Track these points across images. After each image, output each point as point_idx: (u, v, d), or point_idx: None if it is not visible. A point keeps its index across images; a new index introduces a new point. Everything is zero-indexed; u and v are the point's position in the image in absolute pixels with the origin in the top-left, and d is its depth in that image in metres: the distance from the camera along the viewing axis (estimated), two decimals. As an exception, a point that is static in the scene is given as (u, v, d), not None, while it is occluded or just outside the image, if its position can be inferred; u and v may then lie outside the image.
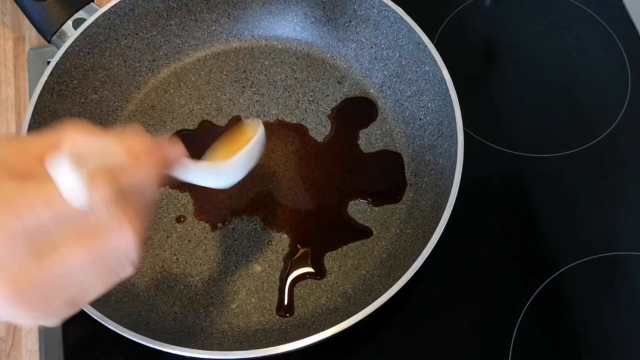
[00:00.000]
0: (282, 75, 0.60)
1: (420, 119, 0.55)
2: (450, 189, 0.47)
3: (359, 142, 0.57)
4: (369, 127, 0.57)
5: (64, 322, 0.53)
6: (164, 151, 0.30)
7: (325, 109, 0.58)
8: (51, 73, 0.52)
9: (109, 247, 0.25)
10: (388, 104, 0.58)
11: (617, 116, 0.61)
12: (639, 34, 0.65)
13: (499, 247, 0.55)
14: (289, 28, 0.61)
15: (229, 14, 0.60)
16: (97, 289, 0.26)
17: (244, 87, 0.59)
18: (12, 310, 0.24)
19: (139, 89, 0.59)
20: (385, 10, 0.54)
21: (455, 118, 0.50)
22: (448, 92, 0.51)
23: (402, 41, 0.55)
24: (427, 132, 0.55)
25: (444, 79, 0.51)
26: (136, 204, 0.26)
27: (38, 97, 0.50)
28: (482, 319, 0.53)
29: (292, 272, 0.51)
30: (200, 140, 0.56)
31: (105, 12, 0.54)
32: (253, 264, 0.52)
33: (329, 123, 0.57)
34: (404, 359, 0.51)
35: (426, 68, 0.53)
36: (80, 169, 0.24)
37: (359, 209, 0.54)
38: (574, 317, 0.53)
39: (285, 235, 0.53)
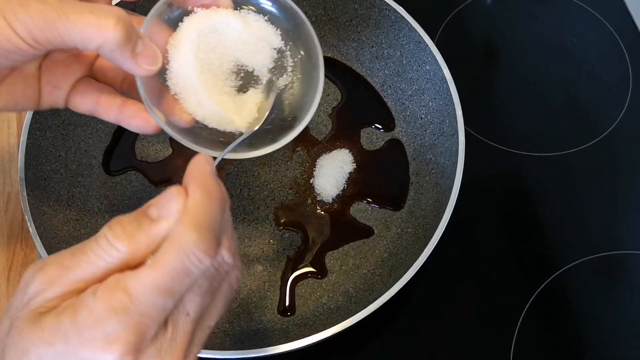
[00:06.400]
0: (283, 75, 0.60)
1: (422, 118, 0.55)
2: (452, 188, 0.47)
3: (361, 142, 0.57)
4: (370, 126, 0.57)
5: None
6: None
7: (326, 108, 0.58)
8: (52, 72, 0.52)
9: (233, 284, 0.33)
10: (389, 103, 0.58)
11: (618, 115, 0.61)
12: (640, 33, 0.66)
13: (500, 246, 0.55)
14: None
15: (229, 13, 0.60)
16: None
17: (244, 87, 0.59)
18: None
19: (140, 88, 0.59)
20: (386, 9, 0.54)
21: (456, 117, 0.50)
22: (449, 91, 0.51)
23: (403, 40, 0.55)
24: (428, 131, 0.55)
25: (444, 78, 0.51)
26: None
27: (39, 97, 0.50)
28: (483, 318, 0.53)
29: (293, 271, 0.51)
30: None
31: (106, 11, 0.54)
32: (254, 264, 0.52)
33: (330, 122, 0.57)
34: (405, 359, 0.51)
35: (427, 67, 0.53)
36: None
37: (360, 208, 0.54)
38: (575, 316, 0.53)
39: (287, 235, 0.53)
